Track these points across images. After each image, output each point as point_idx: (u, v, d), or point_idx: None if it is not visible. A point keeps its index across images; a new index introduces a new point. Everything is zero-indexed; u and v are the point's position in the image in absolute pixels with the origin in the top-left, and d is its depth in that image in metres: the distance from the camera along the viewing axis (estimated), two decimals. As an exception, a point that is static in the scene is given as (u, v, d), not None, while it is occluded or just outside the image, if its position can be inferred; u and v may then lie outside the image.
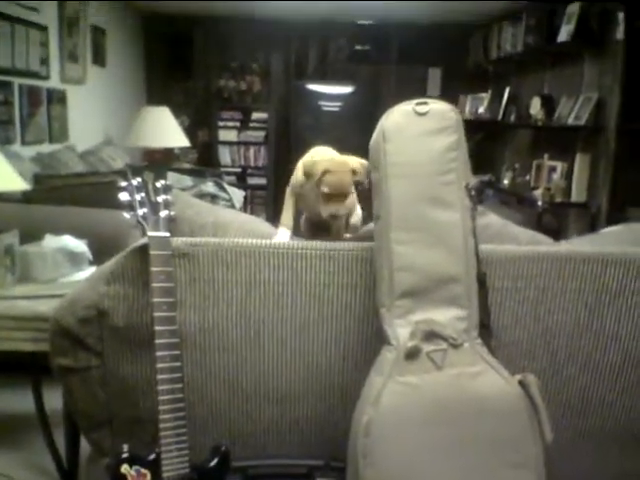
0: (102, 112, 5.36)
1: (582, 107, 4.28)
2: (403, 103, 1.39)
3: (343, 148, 1.64)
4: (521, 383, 1.31)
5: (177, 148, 5.64)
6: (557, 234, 4.11)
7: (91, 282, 1.43)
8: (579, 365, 1.47)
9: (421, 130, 1.36)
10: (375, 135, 1.39)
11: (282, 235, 1.59)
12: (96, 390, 1.44)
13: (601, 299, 1.45)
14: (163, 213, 1.39)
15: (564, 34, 4.37)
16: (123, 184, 1.39)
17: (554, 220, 4.41)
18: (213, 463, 1.33)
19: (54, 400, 1.89)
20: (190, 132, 5.63)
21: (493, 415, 1.29)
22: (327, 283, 1.44)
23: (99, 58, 5.27)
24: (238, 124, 6.60)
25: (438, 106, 1.38)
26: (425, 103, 1.38)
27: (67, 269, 2.09)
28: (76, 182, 3.00)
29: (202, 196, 4.02)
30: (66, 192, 2.72)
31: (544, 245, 1.55)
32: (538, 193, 4.50)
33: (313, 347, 1.46)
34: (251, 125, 6.60)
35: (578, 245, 1.60)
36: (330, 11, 5.90)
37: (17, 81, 3.77)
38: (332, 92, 6.59)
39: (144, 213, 1.37)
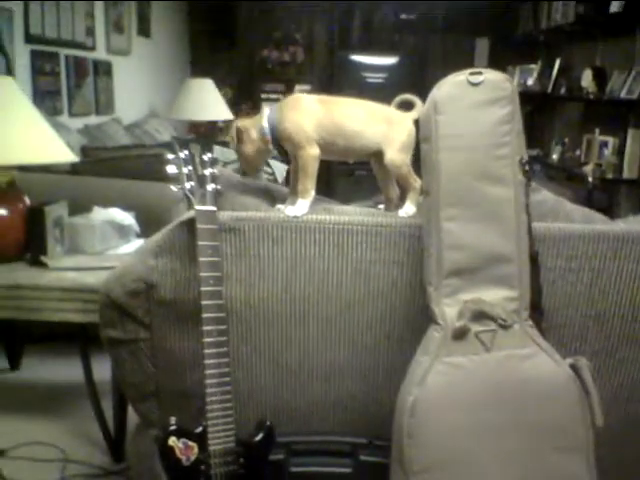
0: (147, 84, 5.39)
1: (635, 81, 4.12)
2: (455, 73, 1.34)
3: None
4: (573, 366, 1.28)
5: (221, 121, 5.64)
6: (608, 211, 3.99)
7: (139, 255, 1.44)
8: (633, 349, 1.42)
9: (475, 101, 1.31)
10: (426, 106, 1.35)
11: (301, 207, 1.52)
12: (144, 362, 1.46)
13: (659, 282, 1.39)
14: (210, 187, 1.38)
15: (616, 5, 4.21)
16: (170, 157, 1.39)
17: (605, 197, 4.29)
18: (258, 438, 1.34)
19: (102, 370, 1.93)
20: (234, 105, 5.62)
21: (543, 398, 1.26)
22: (373, 260, 1.42)
23: (144, 29, 5.28)
24: (281, 96, 6.56)
25: (492, 76, 1.33)
26: (479, 73, 1.33)
27: (115, 241, 2.12)
28: (122, 154, 3.03)
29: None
30: (113, 164, 2.74)
31: (599, 224, 1.49)
32: (588, 169, 4.38)
33: (358, 325, 1.44)
34: (294, 97, 6.55)
35: (635, 224, 1.54)
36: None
37: (63, 52, 3.81)
38: (376, 63, 6.49)
39: (191, 186, 1.36)
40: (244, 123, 1.61)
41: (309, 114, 1.59)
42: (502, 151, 1.32)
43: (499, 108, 1.32)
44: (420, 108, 1.56)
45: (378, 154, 1.61)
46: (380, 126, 1.60)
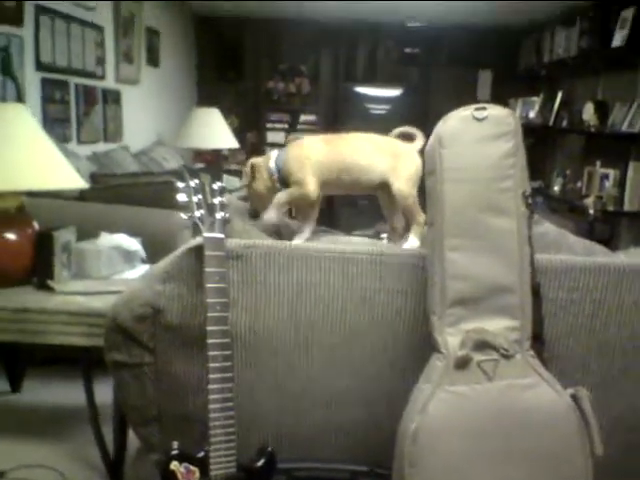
0: (155, 112, 5.46)
1: (637, 114, 4.17)
2: (461, 108, 1.38)
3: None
4: (573, 397, 1.29)
5: (226, 149, 5.70)
6: (609, 243, 4.01)
7: (147, 280, 1.46)
8: (633, 380, 1.43)
9: (479, 136, 1.35)
10: (431, 140, 1.38)
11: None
12: (147, 386, 1.47)
13: (660, 314, 1.41)
14: (219, 215, 1.40)
15: (618, 39, 4.28)
16: (181, 185, 1.41)
17: (606, 229, 4.31)
18: (260, 463, 1.34)
19: (103, 394, 1.94)
20: (239, 133, 5.69)
21: (543, 428, 1.27)
22: (378, 288, 1.44)
23: (153, 59, 5.37)
24: (286, 126, 6.65)
25: (497, 111, 1.37)
26: (484, 108, 1.36)
27: (121, 266, 2.14)
28: (130, 182, 3.07)
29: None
30: (120, 191, 2.78)
31: (600, 256, 1.51)
32: (589, 201, 4.41)
33: (362, 353, 1.46)
34: (299, 127, 6.64)
35: (636, 257, 1.56)
36: (379, 13, 5.89)
37: (73, 80, 3.88)
38: (381, 95, 6.58)
39: (201, 214, 1.39)
40: (257, 161, 1.72)
41: (312, 155, 1.68)
42: (506, 184, 1.35)
43: (503, 142, 1.36)
44: (421, 139, 1.61)
45: (384, 186, 1.65)
46: (386, 158, 1.65)
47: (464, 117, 1.37)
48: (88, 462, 2.11)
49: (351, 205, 6.14)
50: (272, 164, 1.74)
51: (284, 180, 1.73)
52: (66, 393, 2.51)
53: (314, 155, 1.72)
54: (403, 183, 1.62)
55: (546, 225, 1.56)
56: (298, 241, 1.48)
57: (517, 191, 1.35)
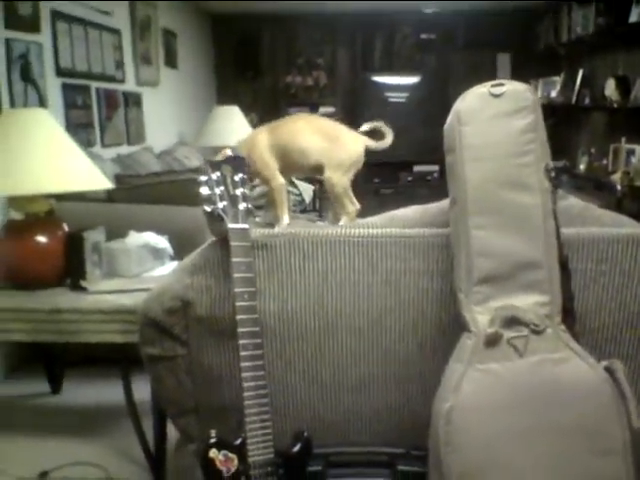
0: (175, 113, 5.51)
1: (661, 87, 4.10)
2: (478, 85, 1.37)
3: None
4: (607, 369, 1.28)
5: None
6: (638, 218, 3.95)
7: (176, 274, 1.49)
8: (668, 350, 1.41)
9: (497, 112, 1.34)
10: (450, 118, 1.38)
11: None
12: (182, 378, 1.49)
13: (690, 282, 1.39)
14: (242, 205, 1.42)
15: (635, 14, 4.20)
16: (203, 178, 1.43)
17: (635, 204, 4.25)
18: (296, 449, 1.36)
19: (142, 391, 1.97)
20: (259, 129, 5.71)
21: (578, 402, 1.26)
22: (403, 270, 1.45)
23: (171, 60, 5.42)
24: (306, 119, 6.65)
25: (514, 87, 1.36)
26: (501, 84, 1.36)
27: (150, 264, 2.18)
28: (155, 181, 3.11)
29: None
30: (146, 191, 2.82)
31: (628, 227, 1.50)
32: (616, 177, 4.35)
33: (390, 336, 1.46)
34: (319, 120, 6.64)
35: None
36: (394, 0, 5.86)
37: (94, 85, 3.93)
38: (399, 83, 6.55)
39: (224, 206, 1.40)
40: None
41: (263, 144, 1.72)
42: (527, 159, 1.34)
43: (522, 118, 1.35)
44: (390, 137, 1.61)
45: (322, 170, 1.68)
46: (324, 143, 1.65)
47: (481, 94, 1.36)
48: (130, 457, 2.16)
49: (374, 193, 6.16)
50: None
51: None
52: (105, 392, 2.56)
53: (265, 143, 1.76)
54: (333, 170, 1.61)
55: (571, 199, 1.54)
56: (279, 230, 1.49)
57: (539, 166, 1.34)
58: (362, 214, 1.61)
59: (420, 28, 6.63)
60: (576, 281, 1.38)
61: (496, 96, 1.36)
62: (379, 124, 1.74)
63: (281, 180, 1.74)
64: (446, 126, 1.39)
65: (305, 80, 6.63)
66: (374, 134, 1.96)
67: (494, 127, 1.35)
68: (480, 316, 1.31)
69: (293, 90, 6.63)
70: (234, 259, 1.36)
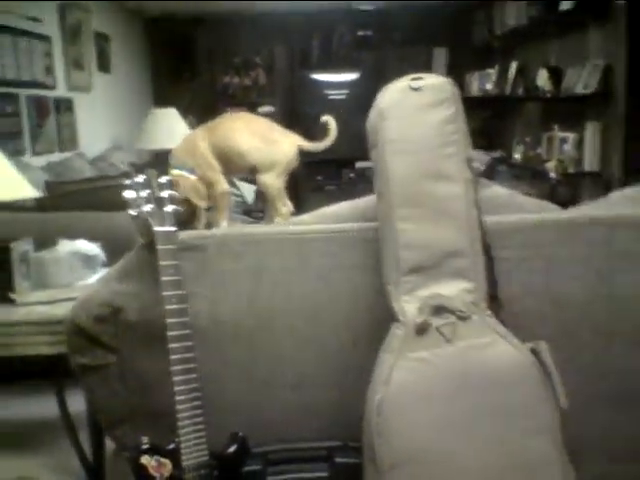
0: (110, 118, 5.41)
1: (590, 75, 4.22)
2: (397, 80, 1.39)
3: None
4: (533, 350, 1.31)
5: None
6: (572, 204, 4.07)
7: (104, 281, 1.46)
8: (591, 331, 1.46)
9: (417, 105, 1.36)
10: (371, 114, 1.40)
11: None
12: (115, 386, 1.47)
13: (612, 264, 1.43)
14: (169, 208, 1.40)
15: (566, 3, 4.32)
16: (127, 182, 1.41)
17: (568, 191, 4.37)
18: (231, 449, 1.35)
19: (77, 403, 1.93)
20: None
21: (506, 384, 1.29)
22: (335, 265, 1.45)
23: (104, 64, 5.31)
24: (246, 120, 6.61)
25: (433, 80, 1.38)
26: (420, 78, 1.38)
27: (82, 272, 2.12)
28: (87, 187, 3.04)
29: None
30: (78, 198, 2.75)
31: (549, 213, 1.54)
32: (551, 165, 4.46)
33: (324, 332, 1.47)
34: (259, 120, 6.61)
35: (585, 210, 1.59)
36: (327, 1, 5.89)
37: (24, 92, 3.82)
38: (337, 80, 6.58)
39: (150, 209, 1.38)
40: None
41: (203, 145, 1.72)
42: (449, 150, 1.36)
43: (442, 110, 1.37)
44: (332, 137, 1.62)
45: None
46: (259, 145, 1.66)
47: (401, 88, 1.38)
48: (68, 471, 2.11)
49: (316, 189, 6.17)
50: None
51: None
52: (40, 406, 2.49)
53: (201, 145, 1.77)
54: (266, 173, 1.63)
55: (494, 188, 1.58)
56: (217, 231, 1.50)
57: (460, 156, 1.36)
58: (306, 211, 1.61)
59: (357, 25, 6.67)
60: (501, 267, 1.41)
61: (415, 89, 1.37)
62: (329, 120, 1.75)
63: (226, 187, 1.75)
64: (368, 122, 1.40)
65: (243, 80, 6.60)
66: (320, 132, 1.97)
67: (415, 120, 1.37)
68: (408, 305, 1.32)
69: (231, 90, 6.59)
70: (162, 262, 1.34)
